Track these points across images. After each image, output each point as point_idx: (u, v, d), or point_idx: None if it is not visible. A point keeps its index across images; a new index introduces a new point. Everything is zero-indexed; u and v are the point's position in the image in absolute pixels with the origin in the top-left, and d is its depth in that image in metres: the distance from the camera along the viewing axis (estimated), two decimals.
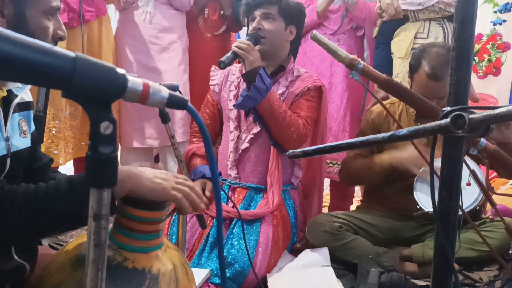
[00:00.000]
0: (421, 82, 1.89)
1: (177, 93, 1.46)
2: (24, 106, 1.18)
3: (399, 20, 2.47)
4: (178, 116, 2.59)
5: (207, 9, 2.72)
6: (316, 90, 2.05)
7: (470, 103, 2.74)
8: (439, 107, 1.76)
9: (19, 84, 1.12)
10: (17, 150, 1.11)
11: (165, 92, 0.56)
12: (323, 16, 2.56)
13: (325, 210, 2.51)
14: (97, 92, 0.51)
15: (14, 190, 0.93)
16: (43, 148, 2.29)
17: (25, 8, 1.05)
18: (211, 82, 2.17)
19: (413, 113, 2.04)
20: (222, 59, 1.84)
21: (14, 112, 1.12)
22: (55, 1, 1.08)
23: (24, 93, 1.17)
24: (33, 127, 1.23)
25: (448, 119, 0.73)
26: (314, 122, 2.07)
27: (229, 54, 1.86)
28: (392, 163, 1.93)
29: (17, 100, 1.12)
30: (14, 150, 1.10)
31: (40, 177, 1.25)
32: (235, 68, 2.14)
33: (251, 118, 2.02)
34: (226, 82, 2.13)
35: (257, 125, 2.00)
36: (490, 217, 1.93)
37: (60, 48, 0.50)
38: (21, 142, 1.14)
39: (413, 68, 1.93)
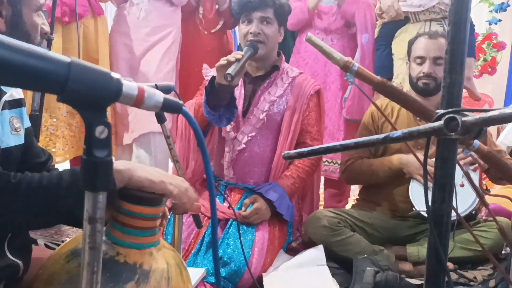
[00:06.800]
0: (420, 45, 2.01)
1: (173, 93, 1.44)
2: (15, 104, 1.17)
3: (400, 21, 2.47)
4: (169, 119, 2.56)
5: (201, 7, 2.69)
6: (317, 95, 2.09)
7: (471, 102, 2.75)
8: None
9: None
10: (7, 147, 1.11)
11: (160, 96, 0.56)
12: (314, 11, 2.56)
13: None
14: (91, 97, 0.51)
15: (20, 177, 0.93)
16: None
17: (21, 7, 1.12)
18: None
19: None
20: (229, 71, 1.68)
21: (4, 109, 1.11)
22: None
23: (14, 90, 1.17)
24: (27, 123, 1.23)
25: (441, 122, 0.73)
26: (321, 129, 2.14)
27: (233, 65, 1.71)
28: (400, 163, 1.98)
29: (6, 97, 1.11)
30: (4, 147, 1.09)
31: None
32: None
33: (249, 119, 2.03)
34: None
35: (255, 127, 2.03)
36: (484, 218, 1.94)
37: (55, 53, 0.50)
38: (12, 140, 1.13)
39: (410, 45, 2.07)
